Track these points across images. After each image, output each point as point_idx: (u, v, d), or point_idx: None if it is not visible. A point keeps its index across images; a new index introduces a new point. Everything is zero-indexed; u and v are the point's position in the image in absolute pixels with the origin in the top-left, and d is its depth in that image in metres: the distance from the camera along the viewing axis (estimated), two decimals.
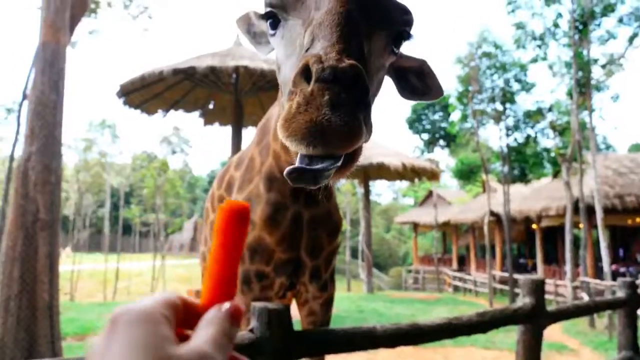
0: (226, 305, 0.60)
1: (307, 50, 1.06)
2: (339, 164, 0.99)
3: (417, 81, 1.73)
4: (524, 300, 3.67)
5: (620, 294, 4.99)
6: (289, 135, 0.95)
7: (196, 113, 15.47)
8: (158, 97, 14.25)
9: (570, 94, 15.99)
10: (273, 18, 1.36)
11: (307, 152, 0.96)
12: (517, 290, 19.41)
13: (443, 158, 50.81)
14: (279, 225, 2.15)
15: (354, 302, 18.64)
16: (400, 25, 1.31)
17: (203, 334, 0.55)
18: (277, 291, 2.32)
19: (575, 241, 19.64)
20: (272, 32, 1.39)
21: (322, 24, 1.08)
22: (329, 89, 0.92)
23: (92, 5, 18.18)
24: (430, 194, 36.53)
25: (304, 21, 1.22)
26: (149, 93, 13.92)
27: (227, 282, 0.63)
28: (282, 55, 1.34)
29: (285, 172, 0.99)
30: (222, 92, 13.69)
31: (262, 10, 1.40)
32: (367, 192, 24.36)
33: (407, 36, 1.34)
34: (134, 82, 12.83)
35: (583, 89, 15.59)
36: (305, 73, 0.96)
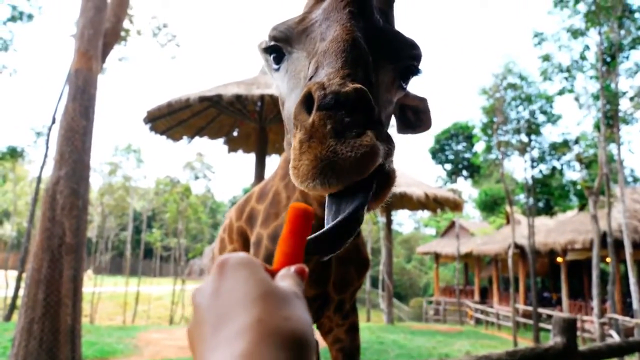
0: (293, 267, 0.69)
1: (310, 79, 1.01)
2: (371, 193, 0.93)
3: (412, 116, 1.73)
4: (555, 340, 3.57)
5: None
6: (301, 182, 0.91)
7: (220, 140, 15.64)
8: (183, 124, 14.44)
9: (597, 127, 15.80)
10: (277, 52, 1.31)
11: (324, 191, 0.91)
12: (541, 324, 18.95)
13: (466, 189, 50.52)
14: (308, 261, 2.09)
15: (374, 332, 18.35)
16: (408, 59, 1.26)
17: (283, 283, 0.63)
18: None
19: (602, 276, 19.15)
20: (275, 67, 1.33)
21: (327, 52, 1.03)
22: (330, 116, 0.87)
23: (122, 33, 18.65)
24: (452, 224, 36.14)
25: (308, 53, 1.18)
26: (174, 119, 14.11)
27: (293, 257, 0.73)
28: (285, 90, 1.30)
29: (309, 249, 0.84)
30: (246, 120, 13.83)
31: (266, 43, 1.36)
32: (388, 222, 24.21)
33: (416, 71, 1.29)
34: (160, 108, 13.02)
35: (611, 121, 15.40)
36: (307, 102, 0.93)
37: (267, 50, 1.34)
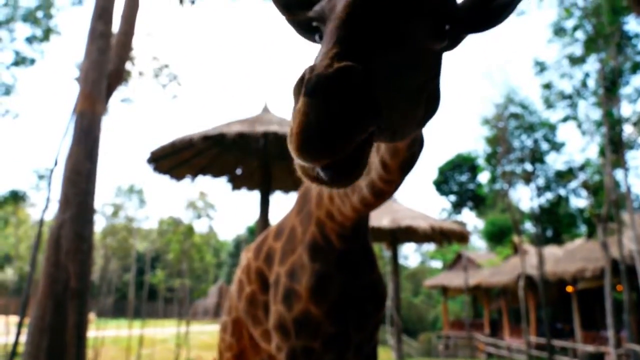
0: None
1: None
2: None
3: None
4: None
5: None
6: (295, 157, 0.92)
7: (224, 178, 15.58)
8: (187, 163, 14.40)
9: (602, 153, 15.77)
10: (319, 32, 1.25)
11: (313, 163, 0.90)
12: (556, 356, 18.51)
13: (471, 219, 50.27)
14: (326, 296, 2.05)
15: None
16: (439, 17, 1.11)
17: None
18: None
19: (617, 304, 18.81)
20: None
21: (328, 31, 1.01)
22: (310, 104, 0.85)
23: (125, 75, 18.84)
24: (459, 256, 35.82)
25: None
26: (178, 159, 14.07)
27: None
28: None
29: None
30: (250, 158, 13.80)
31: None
32: (394, 256, 23.90)
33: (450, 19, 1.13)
34: (164, 148, 12.99)
35: (615, 147, 15.36)
36: (299, 87, 0.90)
37: (314, 30, 1.27)
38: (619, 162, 15.41)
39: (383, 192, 1.79)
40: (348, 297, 2.11)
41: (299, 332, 2.07)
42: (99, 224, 45.99)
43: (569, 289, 23.82)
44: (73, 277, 7.96)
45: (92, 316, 39.37)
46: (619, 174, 15.92)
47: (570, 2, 15.75)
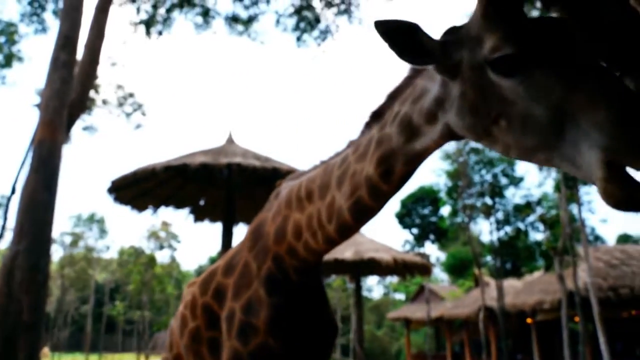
0: None
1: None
2: None
3: None
4: None
5: None
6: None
7: (186, 210, 15.41)
8: (149, 194, 14.23)
9: (558, 188, 16.27)
10: (511, 62, 1.27)
11: None
12: None
13: (433, 252, 50.69)
14: (284, 329, 2.08)
15: None
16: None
17: None
18: None
19: (574, 335, 19.18)
20: (502, 77, 1.31)
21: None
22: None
23: (88, 102, 18.64)
24: (421, 289, 35.95)
25: (559, 76, 1.21)
26: (140, 189, 13.87)
27: None
28: (521, 108, 1.27)
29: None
30: (213, 189, 13.74)
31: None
32: (358, 288, 23.90)
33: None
34: (126, 177, 12.77)
35: (570, 182, 15.88)
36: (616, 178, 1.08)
37: (504, 60, 1.29)
38: (574, 197, 15.93)
39: (369, 210, 1.86)
40: (305, 330, 2.14)
41: None
42: (57, 253, 44.70)
43: (528, 320, 24.19)
44: (26, 309, 7.72)
45: (45, 350, 37.84)
46: (574, 208, 16.41)
47: None
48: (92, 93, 18.32)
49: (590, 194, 16.88)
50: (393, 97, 1.80)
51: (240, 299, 2.16)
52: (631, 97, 1.12)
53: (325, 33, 15.43)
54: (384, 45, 1.43)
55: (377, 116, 1.86)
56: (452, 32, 1.47)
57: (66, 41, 9.84)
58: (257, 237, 2.24)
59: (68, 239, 44.10)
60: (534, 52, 1.26)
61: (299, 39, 15.77)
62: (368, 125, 1.90)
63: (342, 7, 14.80)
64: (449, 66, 1.44)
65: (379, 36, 1.43)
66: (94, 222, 45.70)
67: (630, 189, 1.08)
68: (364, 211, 1.87)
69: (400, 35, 1.43)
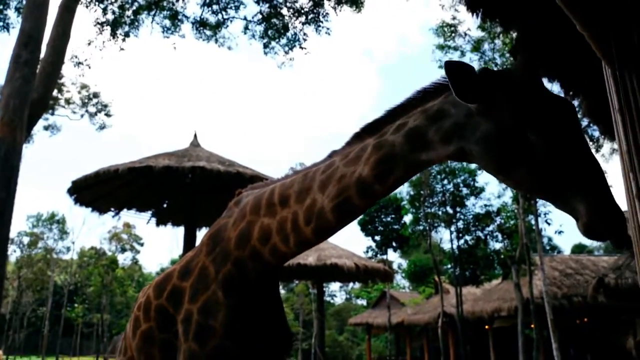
0: None
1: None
2: None
3: None
4: None
5: None
6: None
7: (149, 213, 15.21)
8: (111, 195, 14.01)
9: (516, 199, 16.70)
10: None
11: None
12: None
13: (395, 259, 51.19)
14: (242, 331, 2.10)
15: None
16: None
17: None
18: None
19: (528, 342, 19.66)
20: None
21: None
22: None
23: (50, 102, 18.27)
24: (383, 295, 36.21)
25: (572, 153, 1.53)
26: (102, 191, 13.62)
27: None
28: (544, 163, 1.52)
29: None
30: (176, 192, 13.63)
31: None
32: (320, 294, 23.99)
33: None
34: (87, 178, 12.48)
35: (528, 194, 16.34)
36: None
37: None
38: (531, 208, 16.39)
39: (354, 210, 1.94)
40: (262, 333, 2.17)
41: None
42: (14, 254, 43.37)
43: (486, 327, 24.68)
44: None
45: (0, 353, 36.71)
46: (531, 219, 16.87)
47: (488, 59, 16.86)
48: (55, 92, 17.97)
49: (547, 206, 17.38)
50: (395, 113, 1.92)
51: (197, 302, 2.16)
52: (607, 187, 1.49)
53: (293, 42, 15.55)
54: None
55: (370, 129, 1.97)
56: (492, 76, 1.66)
57: (29, 39, 9.68)
58: (216, 241, 2.24)
59: (26, 240, 42.89)
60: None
61: (266, 46, 15.85)
62: (358, 136, 2.00)
63: (310, 16, 14.93)
64: (485, 108, 1.63)
65: (445, 74, 1.62)
66: (54, 222, 44.53)
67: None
68: (349, 211, 1.94)
69: (461, 76, 1.60)
